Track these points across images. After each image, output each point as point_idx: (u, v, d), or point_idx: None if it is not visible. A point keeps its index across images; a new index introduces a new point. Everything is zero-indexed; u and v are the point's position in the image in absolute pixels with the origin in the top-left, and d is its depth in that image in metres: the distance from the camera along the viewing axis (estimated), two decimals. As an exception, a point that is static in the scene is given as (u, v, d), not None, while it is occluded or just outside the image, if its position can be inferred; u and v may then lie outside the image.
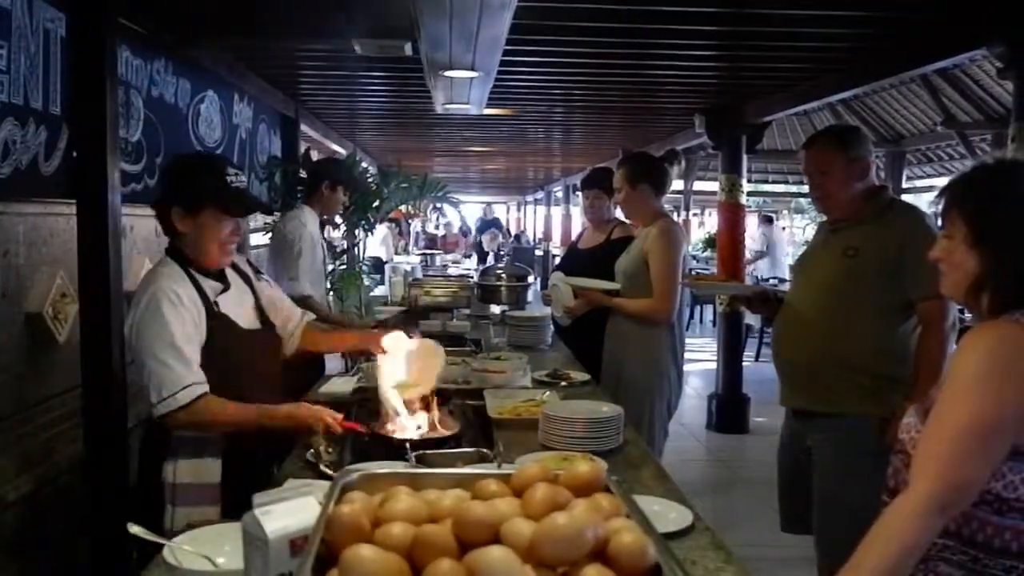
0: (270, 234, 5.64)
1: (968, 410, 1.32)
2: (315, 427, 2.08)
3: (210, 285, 2.18)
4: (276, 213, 5.57)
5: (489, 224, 17.59)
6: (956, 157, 8.68)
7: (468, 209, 21.41)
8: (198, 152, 2.78)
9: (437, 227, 19.40)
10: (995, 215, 1.45)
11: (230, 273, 2.29)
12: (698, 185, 11.68)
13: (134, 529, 1.40)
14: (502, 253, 15.44)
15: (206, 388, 2.04)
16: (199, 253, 2.16)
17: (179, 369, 2.01)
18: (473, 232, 18.52)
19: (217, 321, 2.13)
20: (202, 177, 2.16)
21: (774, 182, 13.28)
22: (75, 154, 2.77)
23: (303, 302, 3.75)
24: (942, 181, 9.20)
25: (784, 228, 16.93)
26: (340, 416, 2.11)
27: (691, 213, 12.20)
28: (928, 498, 1.29)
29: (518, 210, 25.17)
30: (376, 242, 9.94)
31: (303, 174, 5.58)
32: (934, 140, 8.24)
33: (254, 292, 2.37)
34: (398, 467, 1.75)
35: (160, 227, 2.26)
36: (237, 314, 2.21)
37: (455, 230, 18.82)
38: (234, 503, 1.82)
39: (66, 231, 2.94)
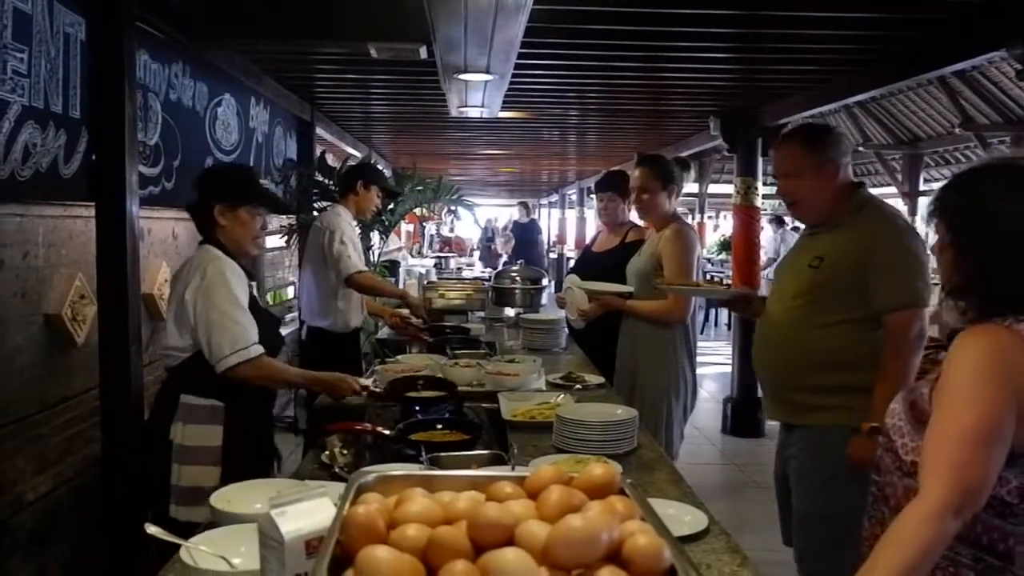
0: (287, 236, 5.70)
1: (971, 414, 1.33)
2: (345, 393, 2.49)
3: (247, 274, 2.45)
4: (292, 216, 5.62)
5: (526, 229, 14.40)
6: (974, 159, 8.61)
7: (482, 213, 19.01)
8: (233, 163, 3.17)
9: (452, 230, 18.51)
10: (966, 222, 1.48)
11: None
12: (713, 188, 11.64)
13: (151, 529, 1.40)
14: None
15: (263, 349, 2.33)
16: (235, 246, 2.43)
17: (249, 327, 2.30)
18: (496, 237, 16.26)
19: (254, 302, 2.42)
20: (241, 180, 2.52)
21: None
22: (94, 157, 2.80)
23: (357, 278, 3.93)
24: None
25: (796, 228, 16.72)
26: (364, 383, 2.52)
27: (706, 216, 12.16)
28: (942, 502, 1.29)
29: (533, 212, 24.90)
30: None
31: (319, 176, 5.61)
32: (952, 142, 8.18)
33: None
34: (412, 469, 1.75)
35: (196, 226, 2.51)
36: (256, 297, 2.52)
37: (473, 239, 17.11)
38: (233, 464, 2.24)
39: (85, 233, 2.97)
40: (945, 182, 1.61)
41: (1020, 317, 1.39)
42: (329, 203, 4.60)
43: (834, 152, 2.38)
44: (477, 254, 15.73)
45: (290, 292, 6.69)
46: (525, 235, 14.13)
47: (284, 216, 5.79)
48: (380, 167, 7.55)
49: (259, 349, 2.31)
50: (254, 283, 2.50)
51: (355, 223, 4.29)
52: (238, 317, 2.29)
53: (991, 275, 1.44)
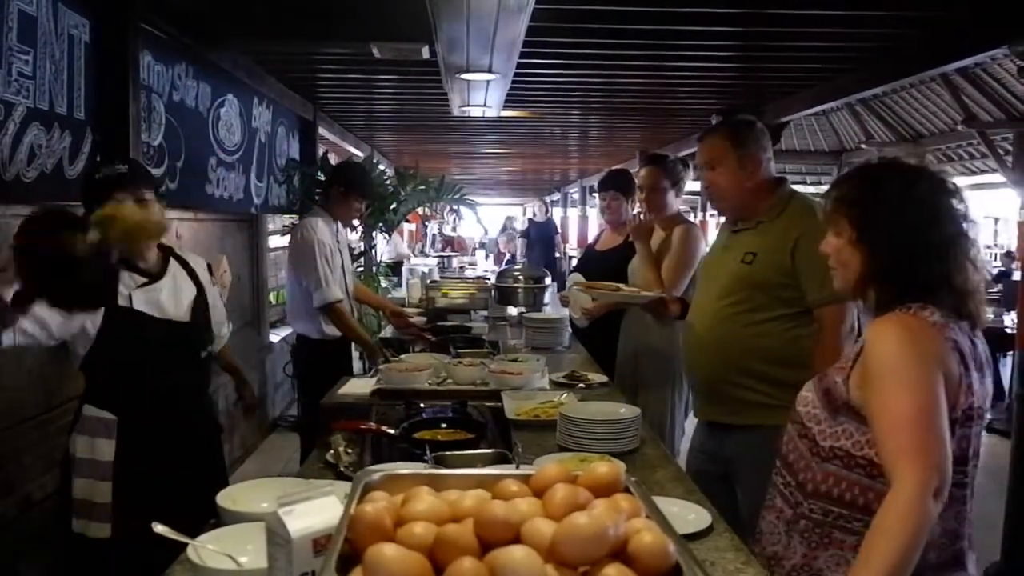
0: (288, 236, 5.71)
1: (913, 398, 1.39)
2: None
3: (131, 280, 2.25)
4: (291, 217, 5.62)
5: (543, 228, 12.84)
6: (977, 156, 8.59)
7: (485, 212, 17.12)
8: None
9: (454, 229, 18.25)
10: (875, 216, 1.55)
11: (174, 267, 2.37)
12: (715, 186, 11.61)
13: (159, 528, 1.41)
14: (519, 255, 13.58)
15: None
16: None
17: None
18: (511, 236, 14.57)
19: (118, 313, 2.19)
20: (87, 188, 2.26)
21: (792, 183, 13.15)
22: (99, 158, 2.81)
23: (330, 308, 3.73)
24: (963, 181, 9.12)
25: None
26: None
27: (708, 214, 12.13)
28: (920, 488, 1.33)
29: (533, 212, 24.67)
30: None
31: (322, 176, 5.62)
32: (955, 139, 8.16)
33: (201, 291, 2.42)
34: (418, 468, 1.76)
35: None
36: (160, 304, 2.27)
37: (475, 238, 16.45)
38: (127, 481, 2.17)
39: (90, 234, 2.97)
40: (837, 181, 1.69)
41: (924, 305, 1.49)
42: (319, 207, 4.16)
43: (755, 146, 2.41)
44: (482, 253, 15.45)
45: (294, 292, 6.68)
46: (542, 234, 12.62)
47: (287, 215, 5.81)
48: (381, 167, 7.56)
49: None
50: (156, 282, 2.29)
51: (337, 230, 3.99)
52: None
53: (905, 265, 1.52)
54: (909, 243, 1.52)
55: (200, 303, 2.41)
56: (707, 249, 3.47)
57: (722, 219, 2.71)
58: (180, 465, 2.26)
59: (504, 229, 15.83)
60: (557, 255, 12.16)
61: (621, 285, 3.16)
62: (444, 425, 2.24)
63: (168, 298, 2.31)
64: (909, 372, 1.41)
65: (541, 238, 12.54)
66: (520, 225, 16.01)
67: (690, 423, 3.65)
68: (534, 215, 13.53)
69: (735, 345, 2.32)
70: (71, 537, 2.22)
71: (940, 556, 1.48)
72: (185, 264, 2.43)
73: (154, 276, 2.31)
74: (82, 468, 2.21)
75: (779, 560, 1.62)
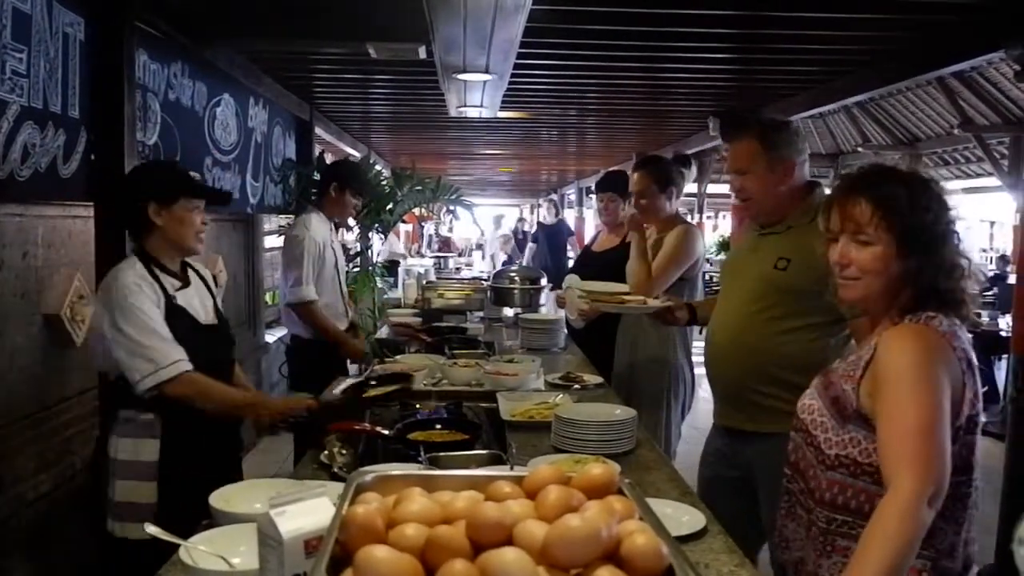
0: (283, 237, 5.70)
1: (922, 408, 1.41)
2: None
3: (169, 281, 2.27)
4: (286, 217, 5.61)
5: (553, 231, 11.54)
6: (973, 160, 8.61)
7: (481, 212, 16.95)
8: (158, 159, 3.04)
9: (451, 230, 18.11)
10: (920, 225, 1.52)
11: (191, 274, 2.38)
12: (712, 188, 11.62)
13: (150, 529, 1.41)
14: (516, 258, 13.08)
15: (190, 366, 2.17)
16: (171, 244, 2.27)
17: (163, 347, 2.15)
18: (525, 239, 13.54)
19: (175, 312, 2.23)
20: (171, 175, 2.37)
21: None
22: (93, 157, 2.80)
23: (302, 307, 3.74)
24: (959, 184, 9.13)
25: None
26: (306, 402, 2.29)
27: (705, 216, 12.13)
28: (918, 494, 1.35)
29: (531, 213, 24.78)
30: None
31: (317, 176, 5.61)
32: (951, 143, 8.18)
33: (213, 297, 2.44)
34: (411, 469, 1.75)
35: (129, 233, 2.36)
36: (195, 309, 2.31)
37: (471, 239, 16.33)
38: (172, 480, 2.16)
39: (84, 233, 2.97)
40: (851, 189, 1.58)
41: (933, 315, 1.50)
42: (314, 206, 4.14)
43: (788, 149, 2.30)
44: (478, 254, 15.34)
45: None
46: (553, 238, 11.37)
47: (283, 215, 5.81)
48: (378, 167, 7.55)
49: (180, 368, 2.15)
50: (187, 286, 2.32)
51: (331, 228, 4.00)
52: (147, 341, 2.14)
53: (944, 272, 1.51)
54: (944, 249, 1.53)
55: (217, 308, 2.43)
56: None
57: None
58: (217, 465, 2.24)
59: (516, 233, 15.40)
60: (570, 255, 11.14)
61: (626, 296, 3.09)
62: (439, 426, 2.23)
63: (198, 304, 2.33)
64: (919, 383, 1.43)
65: (550, 241, 11.41)
66: (528, 226, 15.59)
67: (686, 426, 3.65)
68: (543, 217, 12.47)
69: (762, 352, 2.26)
70: (107, 540, 2.19)
71: (960, 567, 1.51)
72: (196, 272, 2.43)
73: (184, 282, 2.33)
74: (123, 470, 2.19)
75: (804, 564, 1.62)
